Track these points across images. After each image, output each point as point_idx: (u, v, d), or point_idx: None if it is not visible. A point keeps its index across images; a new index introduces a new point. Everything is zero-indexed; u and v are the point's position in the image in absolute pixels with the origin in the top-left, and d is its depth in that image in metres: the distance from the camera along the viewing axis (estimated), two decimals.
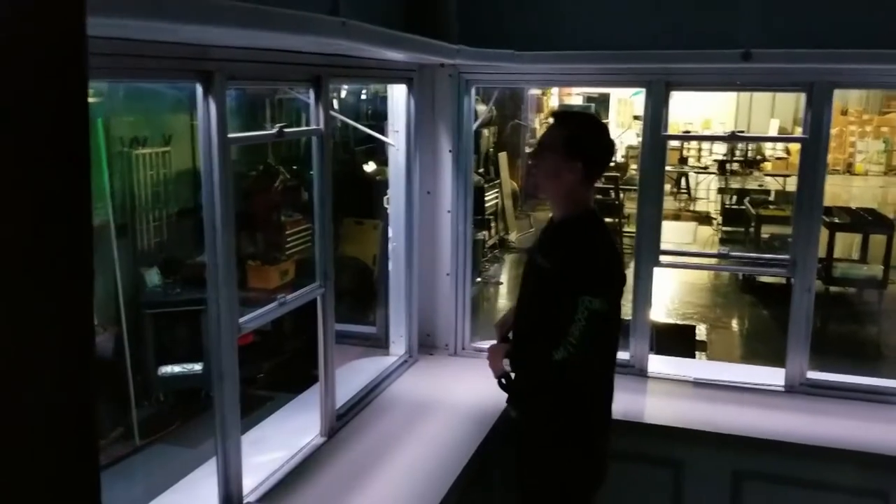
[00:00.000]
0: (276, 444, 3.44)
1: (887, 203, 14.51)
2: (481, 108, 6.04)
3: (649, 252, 4.25)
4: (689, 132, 17.14)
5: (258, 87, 6.18)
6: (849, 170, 22.18)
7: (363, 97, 8.68)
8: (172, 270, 6.36)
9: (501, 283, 11.24)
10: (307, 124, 3.57)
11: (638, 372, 4.32)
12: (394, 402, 3.96)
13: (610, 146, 3.02)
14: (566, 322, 2.73)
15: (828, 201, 12.62)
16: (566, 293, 2.76)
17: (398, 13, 3.87)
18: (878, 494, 3.56)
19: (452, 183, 4.41)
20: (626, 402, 4.06)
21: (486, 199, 11.89)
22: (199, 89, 2.62)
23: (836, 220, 10.43)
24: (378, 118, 4.55)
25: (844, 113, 22.67)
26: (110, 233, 5.79)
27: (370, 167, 7.88)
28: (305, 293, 3.36)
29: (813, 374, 4.13)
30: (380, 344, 4.51)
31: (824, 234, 9.37)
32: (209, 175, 2.68)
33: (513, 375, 3.03)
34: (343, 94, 8.15)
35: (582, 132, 2.95)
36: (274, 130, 3.10)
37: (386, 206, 4.35)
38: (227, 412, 2.82)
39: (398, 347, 4.40)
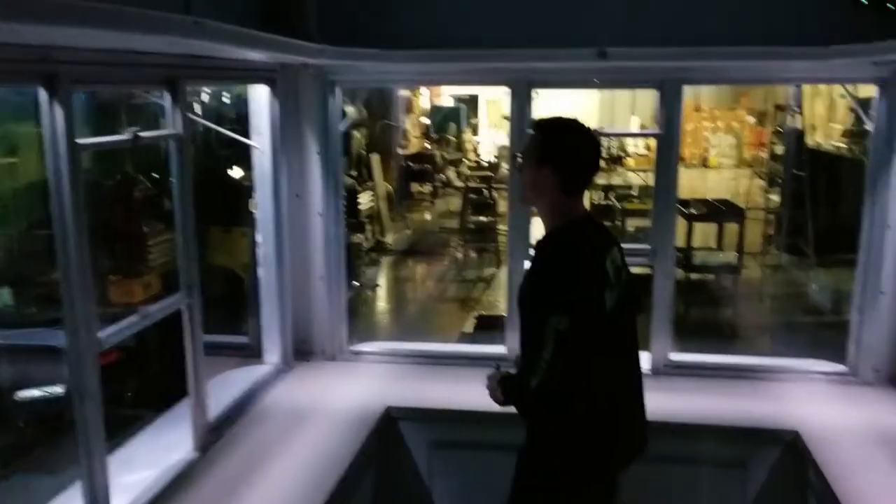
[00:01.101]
0: (146, 462, 3.28)
1: (739, 193, 15.41)
2: (350, 109, 5.99)
3: (521, 247, 4.35)
4: None
5: (111, 91, 5.88)
6: (704, 163, 23.43)
7: (226, 100, 8.43)
8: (26, 288, 5.95)
9: (379, 286, 11.19)
10: None
11: (515, 364, 4.39)
12: (270, 411, 3.86)
13: (585, 148, 2.74)
14: (540, 345, 2.54)
15: (686, 194, 13.32)
16: (536, 313, 2.60)
17: (258, 12, 3.78)
18: (739, 465, 3.78)
19: (322, 185, 4.35)
20: None
21: (360, 201, 11.81)
22: (43, 93, 2.47)
23: (694, 211, 10.99)
24: (245, 121, 4.43)
25: (698, 110, 23.97)
26: None
27: (237, 172, 7.64)
28: (169, 304, 3.23)
29: (676, 356, 4.34)
30: (253, 353, 4.39)
31: (683, 224, 9.85)
32: (58, 184, 2.53)
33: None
34: (205, 97, 7.88)
35: (549, 136, 2.75)
36: (128, 135, 2.96)
37: (253, 210, 4.23)
38: (90, 432, 2.68)
39: (272, 356, 4.30)
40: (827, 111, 13.18)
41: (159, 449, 3.41)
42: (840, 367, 4.24)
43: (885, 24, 3.63)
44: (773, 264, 12.22)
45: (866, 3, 3.79)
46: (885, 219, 3.96)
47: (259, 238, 4.24)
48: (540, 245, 2.80)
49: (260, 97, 4.09)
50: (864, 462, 3.36)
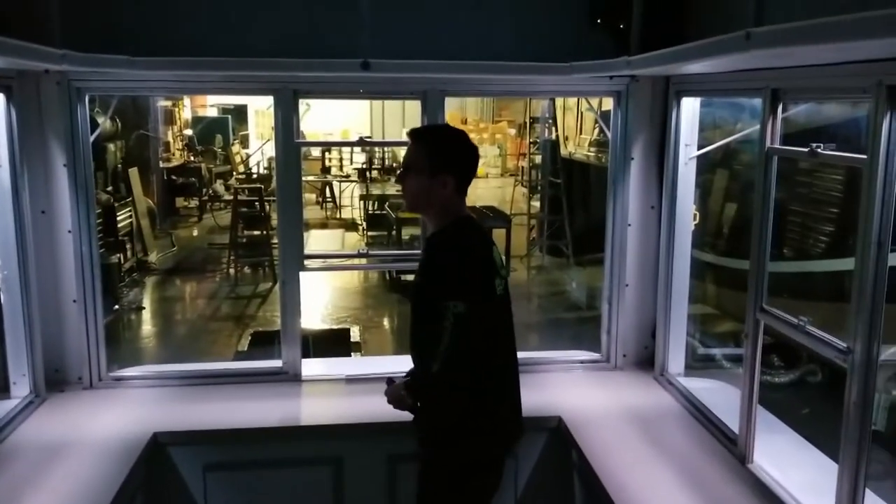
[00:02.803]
0: None
1: (505, 201, 16.36)
2: (101, 119, 5.59)
3: (293, 258, 4.29)
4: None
5: None
6: None
7: None
8: None
9: (144, 308, 10.53)
10: None
11: (292, 377, 4.34)
12: (19, 450, 3.48)
13: (474, 151, 2.99)
14: (438, 332, 2.70)
15: None
16: (433, 302, 2.73)
17: None
18: (511, 455, 3.97)
19: (71, 200, 4.00)
20: (283, 409, 4.09)
21: (119, 218, 11.06)
22: None
23: None
24: None
25: (465, 122, 25.14)
26: None
27: None
28: None
29: None
30: None
31: None
32: None
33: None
34: None
35: (443, 145, 2.93)
36: None
37: None
38: None
39: (20, 388, 3.89)
40: (576, 123, 14.35)
41: None
42: (595, 355, 4.61)
43: (618, 43, 4.02)
44: (537, 265, 13.07)
45: (600, 23, 4.17)
46: (626, 218, 4.37)
47: None
48: (431, 241, 2.95)
49: None
50: (616, 438, 3.67)
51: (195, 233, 15.89)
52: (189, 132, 19.37)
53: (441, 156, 2.89)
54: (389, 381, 3.10)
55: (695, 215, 4.19)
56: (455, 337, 2.70)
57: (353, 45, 3.87)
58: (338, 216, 17.91)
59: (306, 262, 4.33)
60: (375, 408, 4.00)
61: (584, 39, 4.10)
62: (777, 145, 3.15)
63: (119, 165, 12.41)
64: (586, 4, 4.14)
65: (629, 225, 4.39)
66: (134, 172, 12.83)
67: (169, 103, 17.52)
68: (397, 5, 4.04)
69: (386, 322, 10.46)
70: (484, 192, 20.46)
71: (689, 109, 4.05)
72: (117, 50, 3.67)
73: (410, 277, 11.08)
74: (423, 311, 2.87)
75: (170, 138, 17.73)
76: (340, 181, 18.98)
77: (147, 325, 10.02)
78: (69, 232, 4.04)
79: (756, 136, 3.25)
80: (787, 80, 3.06)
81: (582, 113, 14.04)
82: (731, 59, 2.94)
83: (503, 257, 3.08)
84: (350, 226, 16.56)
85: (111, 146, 11.88)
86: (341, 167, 21.54)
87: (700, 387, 4.09)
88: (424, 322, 2.85)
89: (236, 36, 3.96)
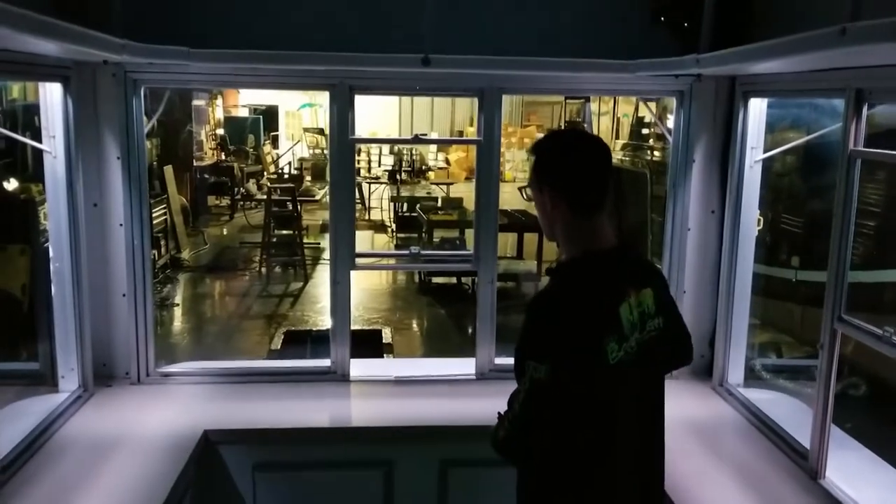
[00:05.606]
0: None
1: (533, 205, 16.20)
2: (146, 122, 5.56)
3: (345, 256, 4.21)
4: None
5: None
6: (500, 177, 24.56)
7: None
8: None
9: (177, 305, 10.55)
10: None
11: (340, 377, 4.26)
12: (69, 444, 3.43)
13: (583, 158, 2.32)
14: (516, 392, 2.21)
15: None
16: (517, 354, 2.23)
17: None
18: None
19: (124, 193, 3.96)
20: (332, 409, 4.04)
21: (154, 215, 11.10)
22: None
23: None
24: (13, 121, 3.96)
25: None
26: None
27: (12, 185, 6.88)
28: None
29: (500, 360, 4.39)
30: (46, 381, 3.91)
31: None
32: None
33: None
34: None
35: (542, 153, 2.37)
36: None
37: (44, 221, 3.77)
38: None
39: (69, 382, 3.84)
40: (612, 128, 14.24)
41: None
42: None
43: (681, 42, 3.91)
44: None
45: (664, 21, 4.07)
46: (685, 222, 4.25)
47: (52, 252, 3.77)
48: (550, 272, 2.36)
49: (52, 97, 3.66)
50: (676, 448, 3.39)
51: (225, 231, 15.94)
52: (221, 131, 19.46)
53: (540, 165, 2.36)
54: (499, 413, 2.51)
55: (759, 220, 4.06)
56: (526, 408, 2.15)
57: (413, 41, 3.78)
58: (366, 217, 17.89)
59: (357, 260, 4.26)
60: (426, 410, 3.97)
61: (646, 38, 3.99)
62: (861, 148, 3.03)
63: (154, 163, 12.47)
64: (647, 2, 4.03)
65: (688, 229, 4.26)
66: (169, 170, 12.89)
67: (202, 102, 17.62)
68: (458, 1, 3.96)
69: (416, 324, 10.38)
70: (511, 196, 20.35)
71: (757, 111, 3.93)
72: (174, 42, 3.61)
73: (441, 280, 11.12)
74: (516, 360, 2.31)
75: (203, 137, 17.82)
76: (370, 182, 18.98)
77: (179, 321, 10.02)
78: (120, 225, 3.99)
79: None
80: (873, 79, 2.93)
81: (618, 118, 13.92)
82: (815, 58, 2.83)
83: (644, 309, 2.29)
84: (379, 227, 16.53)
85: (147, 143, 11.96)
86: (370, 169, 21.57)
87: (762, 398, 3.94)
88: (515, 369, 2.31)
89: (294, 28, 3.89)
